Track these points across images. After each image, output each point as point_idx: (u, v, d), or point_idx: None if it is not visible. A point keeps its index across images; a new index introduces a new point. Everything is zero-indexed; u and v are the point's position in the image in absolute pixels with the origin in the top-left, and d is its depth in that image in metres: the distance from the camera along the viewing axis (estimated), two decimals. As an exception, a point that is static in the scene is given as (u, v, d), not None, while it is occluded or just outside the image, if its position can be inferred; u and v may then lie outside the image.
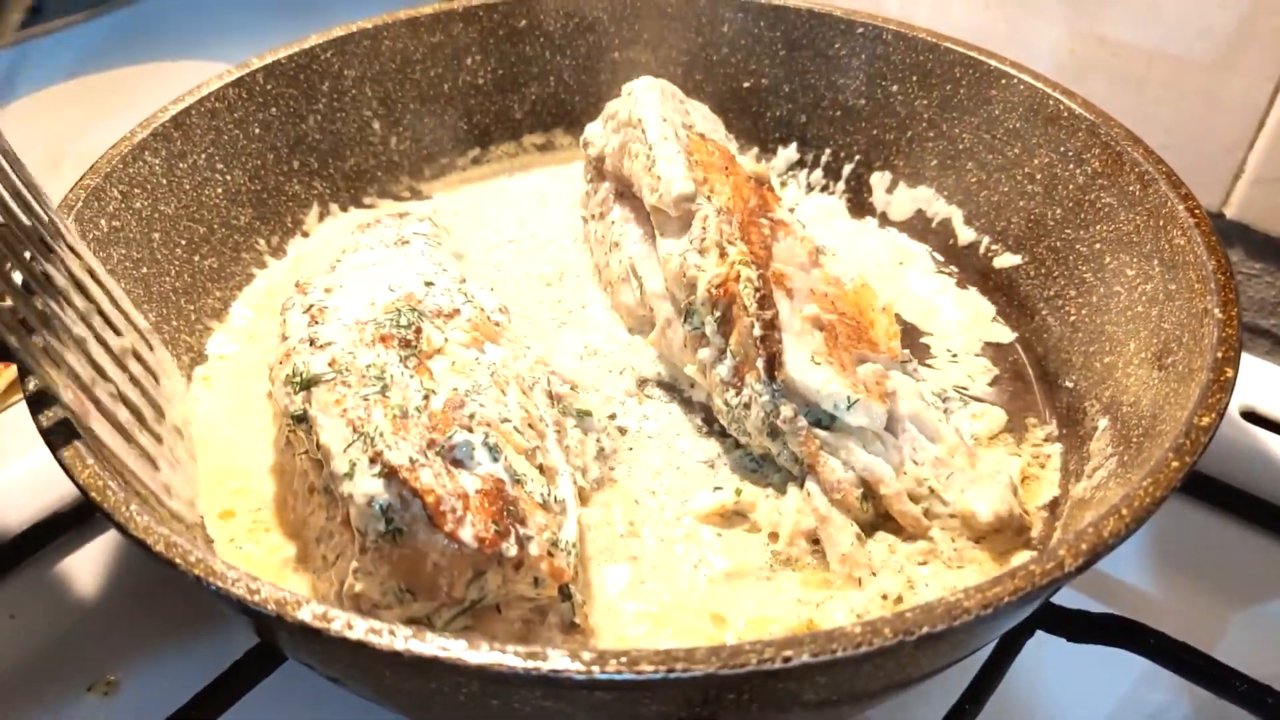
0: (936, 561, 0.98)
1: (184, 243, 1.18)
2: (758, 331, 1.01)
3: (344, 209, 1.39)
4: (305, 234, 1.35)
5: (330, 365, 0.93)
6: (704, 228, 1.09)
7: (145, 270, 1.11)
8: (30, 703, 0.97)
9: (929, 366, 1.22)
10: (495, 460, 0.87)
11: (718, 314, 1.05)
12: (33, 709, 0.97)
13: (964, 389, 1.19)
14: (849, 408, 0.98)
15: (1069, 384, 1.14)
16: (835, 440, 0.99)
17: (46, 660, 1.01)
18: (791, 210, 1.24)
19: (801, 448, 0.99)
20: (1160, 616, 0.99)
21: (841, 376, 0.99)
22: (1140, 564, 1.12)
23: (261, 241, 1.30)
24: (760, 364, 1.00)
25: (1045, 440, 1.13)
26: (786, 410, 0.99)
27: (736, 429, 1.06)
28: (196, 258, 1.20)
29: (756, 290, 1.03)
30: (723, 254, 1.06)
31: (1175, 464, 0.78)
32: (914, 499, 0.99)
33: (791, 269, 1.10)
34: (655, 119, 1.22)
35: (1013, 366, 1.22)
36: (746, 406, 1.02)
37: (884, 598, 0.94)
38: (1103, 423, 1.05)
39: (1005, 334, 1.26)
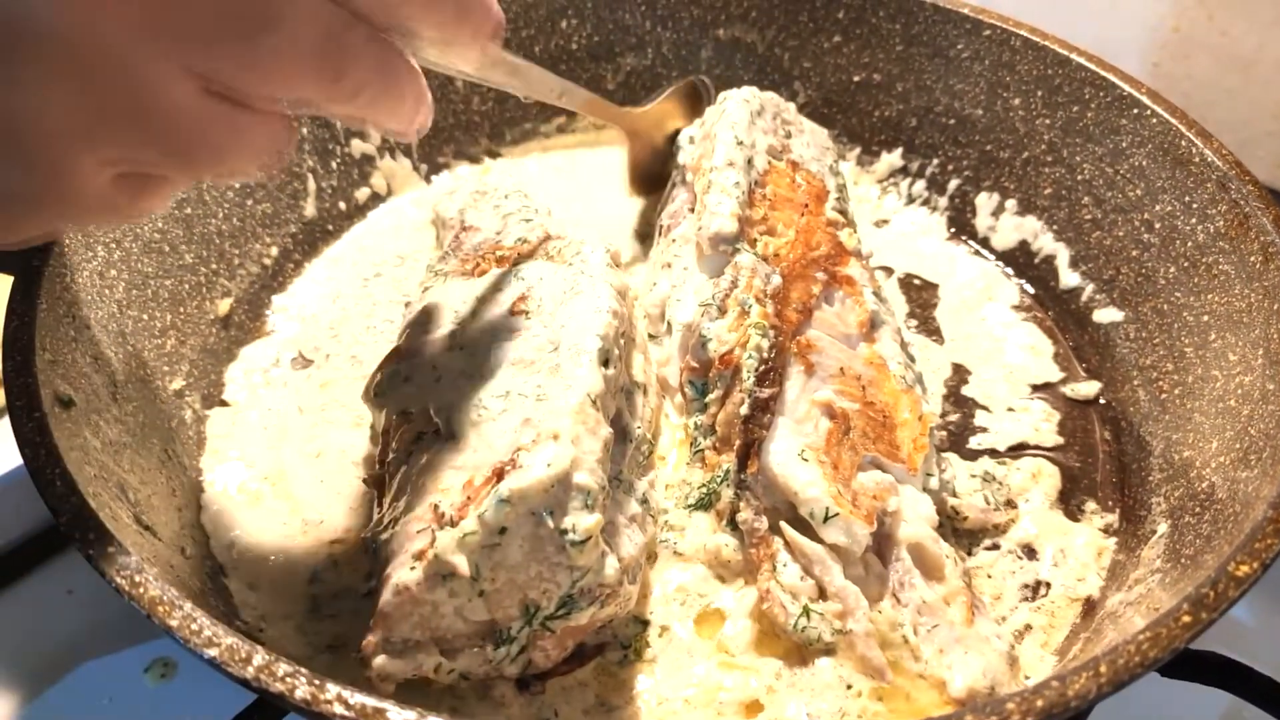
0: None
1: (237, 185, 1.17)
2: (745, 410, 0.89)
3: (415, 166, 1.36)
4: (371, 187, 1.33)
5: None
6: (734, 279, 0.98)
7: (189, 210, 1.11)
8: (86, 682, 0.95)
9: (986, 410, 1.09)
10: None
11: (719, 387, 0.94)
12: (89, 689, 0.94)
13: (1025, 444, 1.06)
14: (825, 520, 0.83)
15: (1143, 472, 1.00)
16: (811, 551, 0.84)
17: (103, 638, 0.98)
18: (868, 258, 1.11)
19: (752, 551, 0.87)
20: (1254, 649, 0.88)
21: (829, 481, 0.85)
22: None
23: (327, 188, 1.28)
24: (736, 448, 0.89)
25: (1103, 532, 0.99)
26: (745, 513, 0.87)
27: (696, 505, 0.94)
28: (250, 202, 1.19)
29: (762, 362, 0.91)
30: (743, 313, 0.95)
31: (1187, 618, 0.65)
32: (884, 645, 0.82)
33: (828, 339, 0.96)
34: (729, 140, 1.11)
35: (1084, 432, 1.08)
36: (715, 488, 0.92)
37: None
38: (1162, 528, 0.91)
39: (1086, 392, 1.12)
